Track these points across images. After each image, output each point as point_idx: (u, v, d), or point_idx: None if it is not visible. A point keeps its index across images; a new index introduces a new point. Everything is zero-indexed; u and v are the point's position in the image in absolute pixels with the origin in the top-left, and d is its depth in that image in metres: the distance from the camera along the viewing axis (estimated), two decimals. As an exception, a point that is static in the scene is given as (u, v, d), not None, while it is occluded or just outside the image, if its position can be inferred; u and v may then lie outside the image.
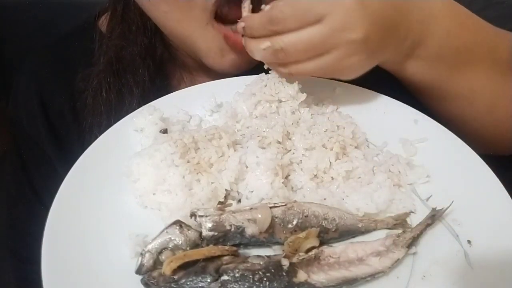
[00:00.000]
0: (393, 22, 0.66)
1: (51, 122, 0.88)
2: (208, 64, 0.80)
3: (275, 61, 0.67)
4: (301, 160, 0.65)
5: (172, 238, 0.53)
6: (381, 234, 0.58)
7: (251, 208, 0.57)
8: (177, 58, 0.89)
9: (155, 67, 0.85)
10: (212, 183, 0.60)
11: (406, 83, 0.78)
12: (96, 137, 0.78)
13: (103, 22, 0.91)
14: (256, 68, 0.79)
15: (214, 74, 0.89)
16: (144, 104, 0.74)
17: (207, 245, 0.54)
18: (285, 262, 0.52)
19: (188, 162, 0.62)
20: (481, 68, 0.75)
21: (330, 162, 0.64)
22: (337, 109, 0.73)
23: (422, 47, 0.70)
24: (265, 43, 0.65)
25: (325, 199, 0.60)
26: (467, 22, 0.74)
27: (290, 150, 0.66)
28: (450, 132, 0.68)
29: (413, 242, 0.56)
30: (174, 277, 0.51)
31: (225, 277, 0.51)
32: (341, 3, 0.61)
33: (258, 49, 0.66)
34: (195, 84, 0.83)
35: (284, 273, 0.51)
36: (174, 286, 0.51)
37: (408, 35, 0.68)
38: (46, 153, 0.88)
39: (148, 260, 0.52)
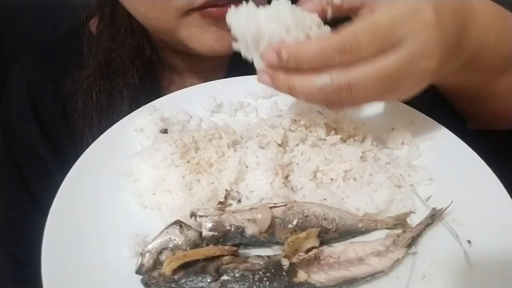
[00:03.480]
0: (458, 41, 0.57)
1: (43, 124, 0.88)
2: (193, 47, 0.78)
3: (330, 100, 0.55)
4: (299, 161, 0.65)
5: (172, 238, 0.53)
6: (381, 234, 0.58)
7: (251, 208, 0.57)
8: (166, 60, 0.89)
9: (144, 69, 0.85)
10: (212, 183, 0.60)
11: (442, 89, 0.73)
12: (88, 141, 0.78)
13: (93, 24, 0.91)
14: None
15: (204, 74, 0.89)
16: (135, 106, 0.74)
17: (207, 245, 0.54)
18: (285, 262, 0.52)
19: (188, 162, 0.62)
20: None
21: (330, 162, 0.64)
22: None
23: (474, 59, 0.63)
24: (323, 78, 0.51)
25: (325, 199, 0.60)
26: (510, 22, 0.66)
27: (288, 150, 0.66)
28: (450, 132, 0.69)
29: (413, 242, 0.56)
30: (174, 277, 0.51)
31: (225, 277, 0.51)
32: (422, 25, 0.52)
33: (309, 87, 0.52)
34: (185, 85, 0.83)
35: (284, 273, 0.51)
36: (174, 286, 0.51)
37: (465, 50, 0.60)
38: (39, 155, 0.88)
39: (148, 260, 0.52)
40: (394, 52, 0.52)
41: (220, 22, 0.73)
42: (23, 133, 0.89)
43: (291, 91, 0.55)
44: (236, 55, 0.83)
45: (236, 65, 0.90)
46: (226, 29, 0.71)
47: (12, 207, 0.91)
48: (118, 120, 0.70)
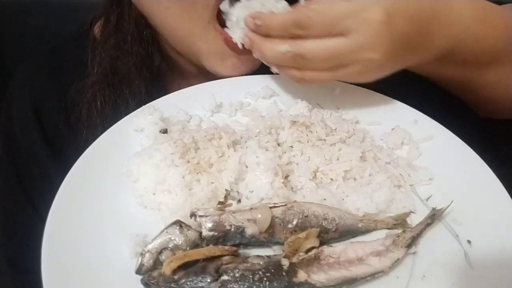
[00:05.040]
0: (416, 40, 0.65)
1: (46, 134, 0.86)
2: (208, 67, 0.79)
3: (289, 65, 0.66)
4: (299, 161, 0.65)
5: (172, 238, 0.53)
6: (381, 234, 0.58)
7: (251, 208, 0.57)
8: (175, 69, 0.88)
9: (152, 78, 0.84)
10: (212, 183, 0.60)
11: (432, 80, 0.78)
12: None
13: (97, 30, 0.89)
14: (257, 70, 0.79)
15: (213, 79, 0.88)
16: None
17: (207, 245, 0.54)
18: (285, 262, 0.52)
19: (188, 162, 0.62)
20: (508, 59, 0.75)
21: (330, 162, 0.64)
22: (338, 109, 0.74)
23: (451, 55, 0.69)
24: (284, 46, 0.63)
25: (325, 199, 0.60)
26: (492, 19, 0.72)
27: (288, 150, 0.66)
28: (450, 132, 0.69)
29: (413, 242, 0.56)
30: (174, 277, 0.51)
31: (225, 277, 0.51)
32: (369, 22, 0.61)
33: (274, 51, 0.64)
34: None
35: (284, 273, 0.51)
36: (174, 286, 0.51)
37: (432, 48, 0.67)
38: (41, 164, 0.86)
39: (148, 260, 0.52)
40: (341, 38, 0.61)
41: (238, 54, 0.76)
42: (25, 143, 0.87)
43: (262, 55, 0.67)
44: None
45: None
46: (245, 62, 0.77)
47: (13, 215, 0.90)
48: None
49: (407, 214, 0.60)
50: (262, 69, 0.79)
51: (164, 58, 0.86)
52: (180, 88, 0.87)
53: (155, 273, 0.52)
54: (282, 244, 0.56)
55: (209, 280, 0.50)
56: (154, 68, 0.84)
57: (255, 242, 0.56)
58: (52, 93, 0.87)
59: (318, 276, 0.52)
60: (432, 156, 0.67)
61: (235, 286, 0.50)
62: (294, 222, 0.56)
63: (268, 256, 0.54)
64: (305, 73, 0.65)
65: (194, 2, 0.72)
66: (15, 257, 0.88)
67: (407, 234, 0.56)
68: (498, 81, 0.77)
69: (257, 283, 0.50)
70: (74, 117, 0.83)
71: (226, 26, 0.73)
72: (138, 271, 0.52)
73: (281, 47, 0.63)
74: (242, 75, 0.80)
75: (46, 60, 0.92)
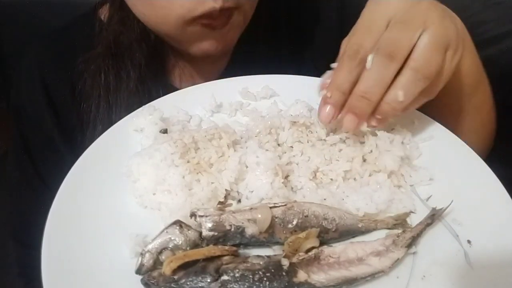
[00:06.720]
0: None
1: (54, 105, 0.90)
2: (189, 50, 0.84)
3: (420, 92, 0.60)
4: (299, 161, 0.65)
5: (172, 238, 0.53)
6: (381, 234, 0.58)
7: (251, 208, 0.57)
8: (170, 46, 0.91)
9: (150, 51, 0.88)
10: (212, 183, 0.60)
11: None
12: (95, 118, 0.82)
13: (102, 12, 0.93)
14: (248, 64, 0.80)
15: (206, 60, 0.91)
16: (140, 87, 0.79)
17: (207, 245, 0.54)
18: (285, 262, 0.52)
19: (188, 162, 0.62)
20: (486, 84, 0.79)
21: (330, 162, 0.64)
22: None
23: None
24: (369, 57, 0.57)
25: (325, 199, 0.60)
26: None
27: (288, 150, 0.66)
28: (450, 132, 0.69)
29: (413, 241, 0.56)
30: (174, 277, 0.51)
31: (225, 277, 0.51)
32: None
33: (369, 76, 0.58)
34: (187, 68, 0.89)
35: (284, 273, 0.51)
36: (174, 286, 0.51)
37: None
38: (49, 136, 0.90)
39: (148, 260, 0.52)
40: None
41: (217, 30, 0.78)
42: (33, 114, 0.91)
43: (367, 96, 0.60)
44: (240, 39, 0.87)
45: (239, 47, 0.92)
46: (222, 34, 0.77)
47: (20, 189, 0.93)
48: (124, 100, 0.72)
49: (407, 214, 0.60)
50: (263, 69, 0.79)
51: (158, 36, 0.89)
52: (176, 62, 0.93)
53: (155, 273, 0.52)
54: (282, 244, 0.56)
55: (209, 280, 0.50)
56: (151, 42, 0.88)
57: (255, 242, 0.56)
58: (60, 67, 0.90)
59: (318, 276, 0.52)
60: (432, 156, 0.67)
61: (235, 286, 0.50)
62: (294, 222, 0.56)
63: (268, 256, 0.54)
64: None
65: (167, 12, 0.74)
66: (21, 232, 0.90)
67: (407, 234, 0.56)
68: (481, 106, 0.80)
69: (257, 283, 0.50)
70: (79, 87, 0.87)
71: None
72: (138, 271, 0.52)
73: (368, 61, 0.57)
74: (221, 52, 0.83)
75: (54, 38, 0.96)
